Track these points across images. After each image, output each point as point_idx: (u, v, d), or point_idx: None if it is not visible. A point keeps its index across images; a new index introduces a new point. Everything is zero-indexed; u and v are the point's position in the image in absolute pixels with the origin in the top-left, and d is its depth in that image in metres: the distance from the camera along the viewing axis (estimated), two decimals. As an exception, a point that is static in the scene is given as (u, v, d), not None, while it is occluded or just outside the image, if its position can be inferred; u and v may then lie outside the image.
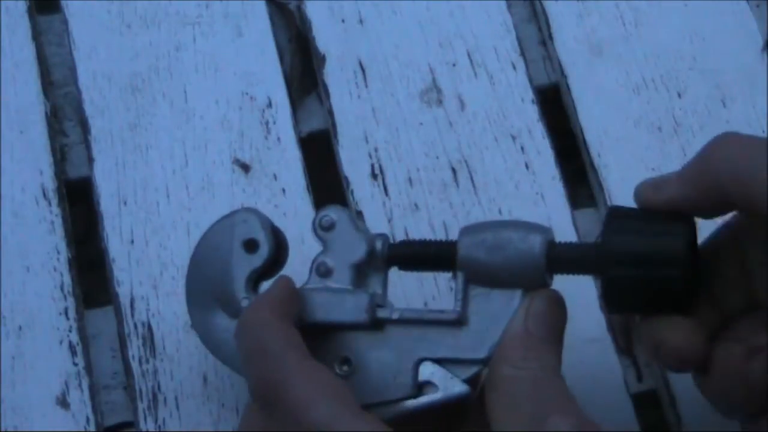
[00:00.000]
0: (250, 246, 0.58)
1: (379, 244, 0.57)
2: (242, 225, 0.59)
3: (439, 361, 0.55)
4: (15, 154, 0.67)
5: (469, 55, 0.70)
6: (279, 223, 0.66)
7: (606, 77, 0.70)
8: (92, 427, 0.62)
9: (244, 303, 0.57)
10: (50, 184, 0.67)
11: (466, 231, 0.57)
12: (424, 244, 0.58)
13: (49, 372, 0.63)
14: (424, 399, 0.55)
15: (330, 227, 0.57)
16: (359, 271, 0.57)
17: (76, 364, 0.63)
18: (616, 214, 0.56)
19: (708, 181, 0.53)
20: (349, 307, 0.56)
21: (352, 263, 0.57)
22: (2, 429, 0.61)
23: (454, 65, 0.70)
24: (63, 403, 0.62)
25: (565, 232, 0.66)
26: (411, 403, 0.55)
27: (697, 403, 0.62)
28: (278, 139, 0.68)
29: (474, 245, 0.56)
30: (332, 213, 0.58)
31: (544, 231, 0.56)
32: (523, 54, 0.71)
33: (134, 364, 0.63)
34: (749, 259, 0.56)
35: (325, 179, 0.69)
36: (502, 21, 0.71)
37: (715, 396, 0.56)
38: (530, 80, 0.70)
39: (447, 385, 0.55)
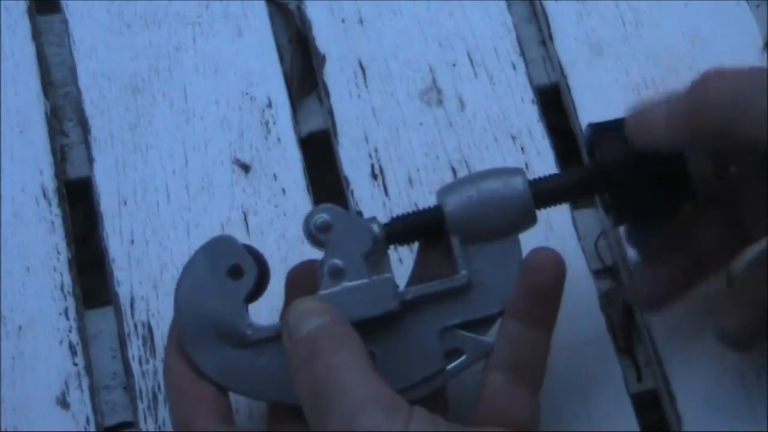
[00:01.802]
0: (236, 272, 0.57)
1: (376, 228, 0.57)
2: (221, 254, 0.57)
3: (459, 326, 0.57)
4: (15, 154, 0.67)
5: (469, 55, 0.70)
6: (279, 222, 0.66)
7: (606, 77, 0.70)
8: (92, 427, 0.62)
9: (249, 330, 0.56)
10: (50, 184, 0.67)
11: (445, 194, 0.57)
12: (412, 216, 0.58)
13: (49, 372, 0.63)
14: (453, 367, 0.57)
15: (327, 228, 0.57)
16: (368, 261, 0.57)
17: (76, 364, 0.63)
18: (598, 129, 0.58)
19: (700, 120, 0.54)
20: (377, 299, 0.56)
21: (362, 255, 0.56)
22: (2, 429, 0.61)
23: (454, 65, 0.70)
24: (63, 403, 0.62)
25: (564, 232, 0.66)
26: (443, 376, 0.57)
27: (697, 403, 0.62)
28: (278, 139, 0.68)
29: (461, 206, 0.57)
30: (325, 213, 0.57)
31: (519, 171, 0.58)
32: (523, 54, 0.71)
33: (134, 364, 0.63)
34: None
35: (325, 179, 0.69)
36: (502, 21, 0.71)
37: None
38: (530, 80, 0.70)
39: (471, 345, 0.57)
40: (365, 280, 0.56)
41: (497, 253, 0.57)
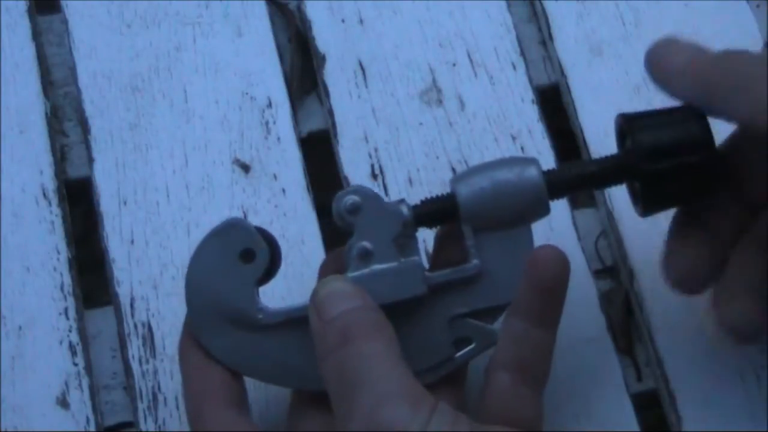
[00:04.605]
0: (247, 256, 0.57)
1: (405, 211, 0.57)
2: (233, 238, 0.57)
3: (469, 315, 0.57)
4: (15, 154, 0.68)
5: (469, 55, 0.70)
6: (279, 223, 0.66)
7: (606, 77, 0.70)
8: (92, 427, 0.62)
9: (260, 315, 0.56)
10: (50, 184, 0.67)
11: (458, 183, 0.57)
12: (433, 201, 0.58)
13: (49, 372, 0.63)
14: (461, 355, 0.57)
15: (356, 210, 0.56)
16: (396, 243, 0.56)
17: (76, 364, 0.63)
18: (629, 117, 0.58)
19: (712, 87, 0.55)
20: (405, 283, 0.56)
21: (392, 238, 0.56)
22: (2, 429, 0.61)
23: (454, 65, 0.70)
24: (63, 403, 0.62)
25: (564, 231, 0.66)
26: (451, 363, 0.57)
27: (697, 403, 0.62)
28: (278, 139, 0.68)
29: (474, 196, 0.57)
30: (355, 195, 0.56)
31: (533, 161, 0.57)
32: (523, 54, 0.71)
33: (134, 364, 0.63)
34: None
35: (325, 179, 0.69)
36: (502, 21, 0.71)
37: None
38: (530, 80, 0.70)
39: (480, 334, 0.57)
40: (394, 264, 0.56)
41: (509, 242, 0.57)
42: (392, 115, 0.69)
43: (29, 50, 0.70)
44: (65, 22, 0.71)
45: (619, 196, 0.66)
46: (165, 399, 0.62)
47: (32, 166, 0.67)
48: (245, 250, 0.57)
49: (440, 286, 0.57)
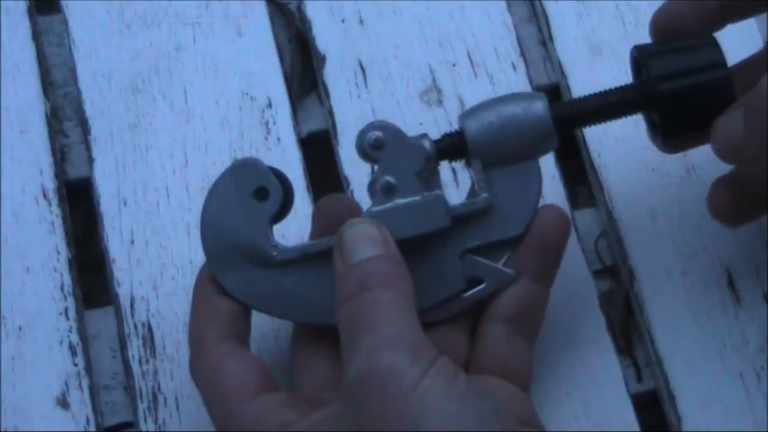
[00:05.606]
0: (261, 194, 0.58)
1: (428, 145, 0.58)
2: (246, 176, 0.58)
3: (480, 248, 0.58)
4: (15, 154, 0.67)
5: (469, 55, 0.70)
6: (279, 223, 0.66)
7: (606, 77, 0.70)
8: (92, 428, 0.62)
9: (275, 251, 0.57)
10: (50, 185, 0.67)
11: (467, 118, 0.59)
12: (444, 137, 0.59)
13: (49, 372, 0.63)
14: (472, 294, 0.58)
15: (380, 145, 0.57)
16: (419, 177, 0.58)
17: (76, 365, 0.63)
18: (643, 47, 0.60)
19: None
20: (428, 216, 0.57)
21: (415, 173, 0.57)
22: (2, 429, 0.61)
23: (454, 65, 0.70)
24: (63, 403, 0.62)
25: (565, 232, 0.66)
26: (461, 301, 0.58)
27: (697, 403, 0.62)
28: (278, 139, 0.68)
29: (482, 130, 0.58)
30: (378, 131, 0.58)
31: (540, 96, 0.59)
32: (523, 54, 0.71)
33: (134, 365, 0.63)
34: None
35: (325, 179, 0.69)
36: (502, 21, 0.71)
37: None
38: (530, 80, 0.70)
39: (492, 275, 0.58)
40: (417, 198, 0.57)
41: (518, 176, 0.58)
42: (392, 115, 0.69)
43: (29, 50, 0.70)
44: (65, 22, 0.71)
45: (619, 196, 0.66)
46: (165, 399, 0.62)
47: (32, 166, 0.67)
48: (259, 188, 0.58)
49: (454, 220, 0.58)
